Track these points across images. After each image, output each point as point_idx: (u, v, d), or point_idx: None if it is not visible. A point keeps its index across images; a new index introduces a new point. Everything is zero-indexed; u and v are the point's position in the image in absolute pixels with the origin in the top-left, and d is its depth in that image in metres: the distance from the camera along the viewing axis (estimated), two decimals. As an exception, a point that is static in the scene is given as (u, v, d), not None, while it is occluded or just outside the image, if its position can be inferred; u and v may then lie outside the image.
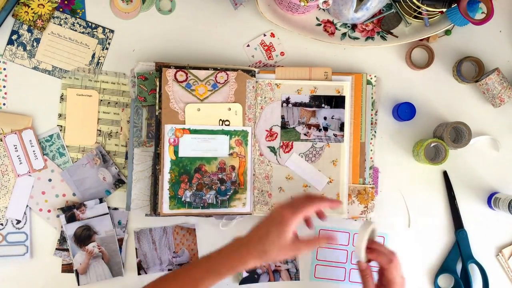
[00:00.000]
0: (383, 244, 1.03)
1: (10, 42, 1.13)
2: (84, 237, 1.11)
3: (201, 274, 0.91)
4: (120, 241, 1.13)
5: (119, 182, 1.14)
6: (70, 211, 1.11)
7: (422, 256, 1.15)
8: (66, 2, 1.14)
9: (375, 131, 1.16)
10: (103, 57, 1.14)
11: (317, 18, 1.16)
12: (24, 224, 1.12)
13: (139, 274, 1.13)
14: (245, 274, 1.13)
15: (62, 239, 1.12)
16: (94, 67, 1.14)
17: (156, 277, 0.95)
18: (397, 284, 0.96)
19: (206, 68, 1.11)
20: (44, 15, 1.12)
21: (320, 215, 0.99)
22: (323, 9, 1.15)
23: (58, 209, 1.11)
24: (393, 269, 0.96)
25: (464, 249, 1.14)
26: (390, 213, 1.15)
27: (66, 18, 1.14)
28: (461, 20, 1.07)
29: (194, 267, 0.94)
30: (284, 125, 1.13)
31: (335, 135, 1.13)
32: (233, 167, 1.12)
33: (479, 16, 1.14)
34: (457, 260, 1.15)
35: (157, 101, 1.10)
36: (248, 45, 1.16)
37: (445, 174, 1.15)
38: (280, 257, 0.91)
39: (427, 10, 1.09)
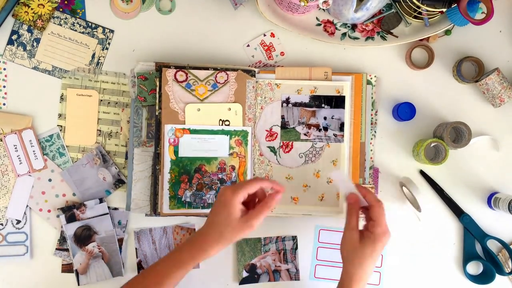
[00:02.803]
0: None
1: (10, 42, 1.13)
2: (84, 237, 1.11)
3: (166, 268, 0.95)
4: (120, 241, 1.13)
5: (119, 182, 1.14)
6: (70, 211, 1.11)
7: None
8: (66, 2, 1.14)
9: (375, 131, 1.16)
10: (103, 57, 1.14)
11: (317, 18, 1.16)
12: (24, 224, 1.12)
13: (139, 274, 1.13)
14: (245, 274, 1.13)
15: (62, 239, 1.12)
16: (94, 67, 1.14)
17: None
18: (382, 225, 0.96)
19: (206, 68, 1.11)
20: (44, 15, 1.12)
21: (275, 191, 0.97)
22: (323, 9, 1.15)
23: (58, 209, 1.11)
24: (378, 208, 0.96)
25: (474, 231, 1.14)
26: (390, 213, 1.15)
27: (66, 18, 1.14)
28: (461, 20, 1.08)
29: (160, 262, 0.97)
30: (284, 125, 1.13)
31: (335, 135, 1.13)
32: (233, 167, 1.12)
33: (479, 16, 1.14)
34: (475, 244, 1.15)
35: (157, 101, 1.10)
36: (248, 45, 1.16)
37: (421, 172, 1.16)
38: (237, 235, 0.93)
39: (427, 10, 1.09)
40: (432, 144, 1.11)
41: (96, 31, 1.14)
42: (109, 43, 1.14)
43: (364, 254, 0.96)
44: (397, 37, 1.15)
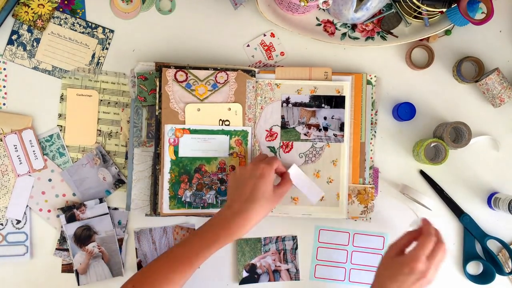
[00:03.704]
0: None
1: (10, 42, 1.13)
2: (84, 237, 1.11)
3: (202, 247, 0.96)
4: (120, 241, 1.13)
5: (119, 182, 1.14)
6: (70, 211, 1.11)
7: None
8: (66, 2, 1.14)
9: (375, 131, 1.16)
10: (103, 57, 1.14)
11: (317, 18, 1.16)
12: (24, 224, 1.12)
13: (139, 274, 1.13)
14: (245, 274, 1.13)
15: (62, 239, 1.12)
16: (94, 67, 1.14)
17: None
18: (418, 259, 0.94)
19: (206, 68, 1.11)
20: (44, 15, 1.12)
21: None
22: (323, 9, 1.15)
23: (58, 209, 1.11)
24: (424, 239, 0.97)
25: (474, 231, 1.14)
26: (390, 213, 1.15)
27: (66, 18, 1.14)
28: (461, 20, 1.08)
29: (190, 243, 0.97)
30: (284, 125, 1.13)
31: (335, 135, 1.13)
32: (233, 167, 1.12)
33: (479, 16, 1.14)
34: (475, 244, 1.15)
35: (157, 101, 1.10)
36: (248, 45, 1.16)
37: (421, 172, 1.16)
38: (271, 208, 0.99)
39: (427, 10, 1.09)
40: (432, 144, 1.11)
41: (96, 31, 1.14)
42: (109, 43, 1.14)
43: (397, 271, 0.94)
44: (397, 37, 1.15)
